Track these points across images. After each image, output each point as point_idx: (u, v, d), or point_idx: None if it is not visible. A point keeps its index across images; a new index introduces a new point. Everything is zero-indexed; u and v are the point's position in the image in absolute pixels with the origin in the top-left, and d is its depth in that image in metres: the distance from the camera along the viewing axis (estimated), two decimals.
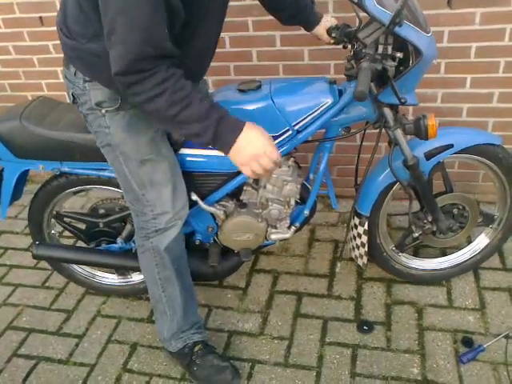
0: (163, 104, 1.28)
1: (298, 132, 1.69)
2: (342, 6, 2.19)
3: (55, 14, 2.50)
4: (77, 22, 1.43)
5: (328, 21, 1.84)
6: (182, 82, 1.29)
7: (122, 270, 2.18)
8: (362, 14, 1.56)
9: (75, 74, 1.51)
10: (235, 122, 1.38)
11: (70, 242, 2.52)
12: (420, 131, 1.61)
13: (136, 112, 1.54)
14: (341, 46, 1.80)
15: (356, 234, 1.94)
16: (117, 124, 1.55)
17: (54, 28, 2.52)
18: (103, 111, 1.53)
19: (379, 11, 1.43)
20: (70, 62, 1.52)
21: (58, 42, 2.64)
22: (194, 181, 1.80)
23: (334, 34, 1.78)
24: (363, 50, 1.53)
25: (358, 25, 1.64)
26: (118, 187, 1.91)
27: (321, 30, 1.84)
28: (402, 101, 1.53)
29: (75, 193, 2.05)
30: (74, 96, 1.56)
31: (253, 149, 1.38)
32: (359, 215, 1.91)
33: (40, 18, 2.58)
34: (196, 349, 1.81)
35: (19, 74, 2.84)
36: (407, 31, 1.47)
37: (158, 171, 1.62)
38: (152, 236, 1.69)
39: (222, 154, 1.69)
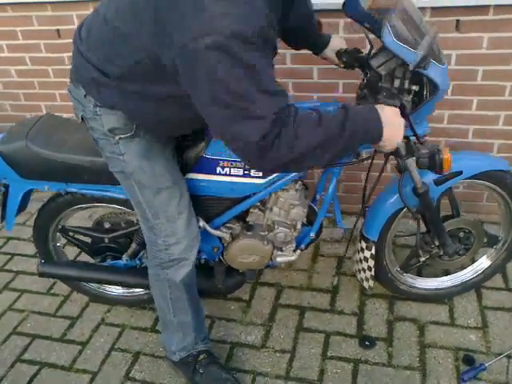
0: (307, 132, 1.24)
1: None
2: (353, 27, 2.24)
3: (72, 26, 2.60)
4: (105, 60, 1.37)
5: (337, 42, 1.83)
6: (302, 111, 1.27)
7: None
8: (372, 36, 1.58)
9: (85, 96, 1.45)
10: (364, 108, 1.36)
11: (76, 250, 2.54)
12: (435, 166, 1.56)
13: (150, 137, 1.51)
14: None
15: (362, 258, 1.96)
16: (131, 152, 1.50)
17: (70, 40, 2.61)
18: (117, 138, 1.47)
19: (398, 47, 1.42)
20: (80, 83, 1.46)
21: None
22: (201, 205, 1.78)
23: (344, 58, 1.77)
24: (379, 84, 1.52)
25: (369, 49, 1.64)
26: (123, 205, 1.92)
27: (329, 52, 1.83)
28: (422, 141, 1.55)
29: (83, 208, 2.04)
30: (83, 119, 1.52)
31: (400, 121, 1.40)
32: (366, 239, 1.92)
33: (57, 30, 2.65)
34: (200, 358, 1.82)
35: (34, 84, 2.90)
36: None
37: (173, 200, 1.60)
38: (167, 266, 1.67)
39: (230, 180, 1.70)
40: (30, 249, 2.68)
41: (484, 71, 2.26)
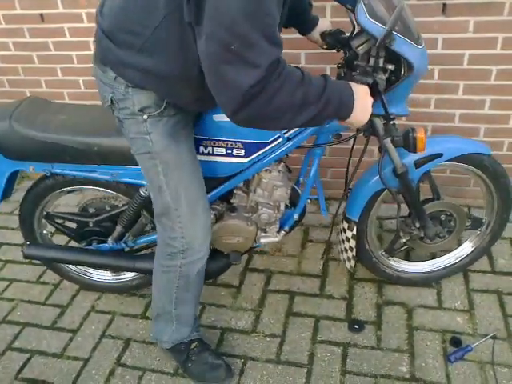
0: (289, 89, 1.23)
1: (289, 139, 1.71)
2: (339, 11, 2.23)
3: (56, 11, 2.58)
4: (127, 32, 1.35)
5: (324, 25, 1.85)
6: (290, 67, 1.27)
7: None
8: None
9: (115, 78, 1.44)
10: (340, 82, 1.39)
11: (64, 239, 2.54)
12: (408, 144, 1.61)
13: (178, 119, 1.51)
14: (334, 51, 1.83)
15: (344, 238, 1.98)
16: (159, 130, 1.49)
17: (55, 25, 2.61)
18: (145, 117, 1.47)
19: (371, 25, 1.43)
20: (107, 66, 1.45)
21: (58, 39, 2.69)
22: None
23: (327, 39, 1.80)
24: (355, 62, 1.54)
25: (351, 31, 1.66)
26: (108, 188, 1.93)
27: (316, 34, 1.85)
28: (392, 117, 1.58)
29: (67, 192, 2.04)
30: (112, 101, 1.48)
31: (369, 101, 1.44)
32: (348, 220, 1.95)
33: (41, 14, 2.60)
34: (192, 346, 1.83)
35: (18, 70, 2.86)
36: (399, 45, 1.48)
37: (194, 183, 1.58)
38: (180, 257, 1.62)
39: (212, 159, 1.70)
40: (18, 238, 2.65)
41: (470, 55, 2.26)
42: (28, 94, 2.91)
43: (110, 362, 1.95)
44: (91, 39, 2.62)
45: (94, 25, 2.49)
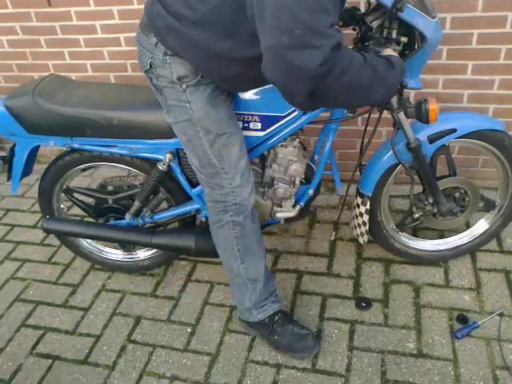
0: (357, 68, 1.29)
1: (304, 112, 1.73)
2: None
3: None
4: (184, 4, 1.40)
5: None
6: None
7: (128, 246, 2.23)
8: None
9: (156, 44, 1.51)
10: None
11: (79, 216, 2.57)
12: (421, 115, 1.64)
13: (215, 87, 1.57)
14: (348, 29, 1.84)
15: (358, 213, 1.99)
16: (198, 99, 1.56)
17: (62, 9, 2.61)
18: (184, 86, 1.54)
19: None
20: (152, 32, 1.51)
21: (65, 23, 2.68)
22: None
23: (343, 15, 1.79)
24: (369, 33, 1.57)
25: (366, 8, 1.67)
26: (126, 164, 1.98)
27: None
28: (404, 84, 1.59)
29: (83, 170, 2.10)
30: (151, 65, 1.55)
31: None
32: (361, 195, 1.96)
33: None
34: (276, 318, 1.86)
35: (26, 54, 2.87)
36: (412, 16, 1.50)
37: (235, 144, 1.64)
38: (231, 210, 1.69)
39: None
40: (30, 220, 2.71)
41: (479, 34, 2.24)
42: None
43: (121, 338, 1.99)
44: (98, 23, 2.63)
45: (100, 8, 2.56)
